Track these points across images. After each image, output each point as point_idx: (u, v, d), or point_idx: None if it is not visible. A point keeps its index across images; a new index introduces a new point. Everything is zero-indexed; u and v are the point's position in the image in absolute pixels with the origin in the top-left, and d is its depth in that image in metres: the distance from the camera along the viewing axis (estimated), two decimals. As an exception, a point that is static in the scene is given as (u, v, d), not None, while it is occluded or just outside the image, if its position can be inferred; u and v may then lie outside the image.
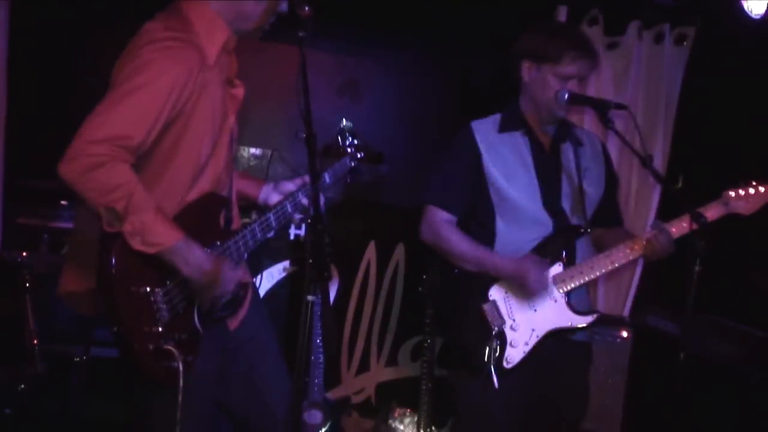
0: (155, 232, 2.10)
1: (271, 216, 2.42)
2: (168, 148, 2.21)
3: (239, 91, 2.42)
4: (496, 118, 2.91)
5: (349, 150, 2.73)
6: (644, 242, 2.76)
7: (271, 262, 4.06)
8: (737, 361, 3.69)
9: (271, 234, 2.43)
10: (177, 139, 2.21)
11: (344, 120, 2.76)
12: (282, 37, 2.12)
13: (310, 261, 1.86)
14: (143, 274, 2.15)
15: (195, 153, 2.25)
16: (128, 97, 2.10)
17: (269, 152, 4.29)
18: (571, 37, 2.81)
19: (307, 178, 2.59)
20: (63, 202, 3.54)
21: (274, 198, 2.58)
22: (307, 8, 2.11)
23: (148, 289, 2.16)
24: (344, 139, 2.74)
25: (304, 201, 2.45)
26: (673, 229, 2.74)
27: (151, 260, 2.13)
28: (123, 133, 2.08)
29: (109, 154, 2.06)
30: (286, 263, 4.09)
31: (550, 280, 2.77)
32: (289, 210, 2.46)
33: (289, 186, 2.58)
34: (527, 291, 2.74)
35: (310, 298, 1.83)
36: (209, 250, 2.24)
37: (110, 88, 2.15)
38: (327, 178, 2.63)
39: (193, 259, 2.16)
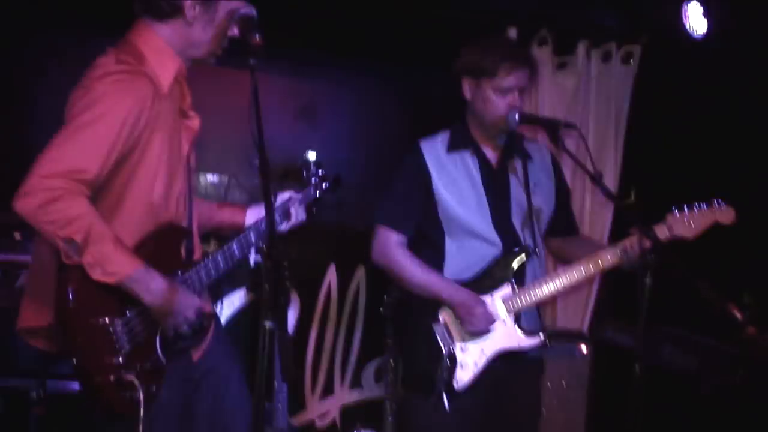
0: (115, 262, 2.10)
1: (234, 245, 2.42)
2: (124, 181, 2.21)
3: (194, 122, 2.43)
4: (445, 136, 2.91)
5: (313, 180, 2.76)
6: (618, 252, 2.73)
7: (231, 289, 4.04)
8: (692, 370, 3.75)
9: (234, 263, 2.42)
10: (133, 170, 2.22)
11: (309, 151, 2.78)
12: (238, 63, 2.13)
13: (267, 288, 1.86)
14: (102, 305, 2.14)
15: (150, 184, 2.25)
16: (82, 130, 2.11)
17: (226, 178, 4.28)
18: (504, 49, 2.81)
19: (286, 195, 2.62)
20: (16, 234, 3.49)
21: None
22: (257, 36, 2.12)
23: (107, 320, 2.15)
24: (309, 170, 2.77)
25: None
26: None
27: (109, 291, 2.13)
28: (78, 166, 2.08)
29: (65, 187, 2.06)
30: (245, 290, 4.08)
31: (500, 300, 2.78)
32: (253, 239, 2.46)
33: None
34: (467, 324, 2.73)
35: (267, 324, 1.83)
36: (169, 279, 2.23)
37: (63, 122, 2.14)
38: (293, 210, 2.62)
39: (155, 286, 2.16)
